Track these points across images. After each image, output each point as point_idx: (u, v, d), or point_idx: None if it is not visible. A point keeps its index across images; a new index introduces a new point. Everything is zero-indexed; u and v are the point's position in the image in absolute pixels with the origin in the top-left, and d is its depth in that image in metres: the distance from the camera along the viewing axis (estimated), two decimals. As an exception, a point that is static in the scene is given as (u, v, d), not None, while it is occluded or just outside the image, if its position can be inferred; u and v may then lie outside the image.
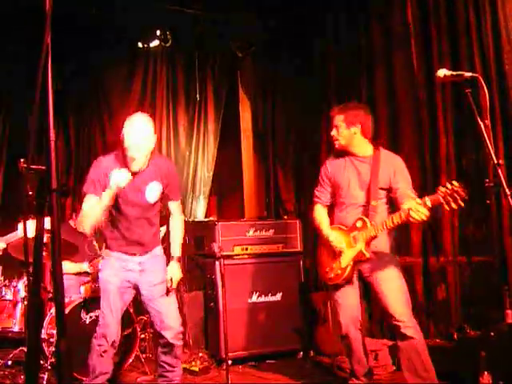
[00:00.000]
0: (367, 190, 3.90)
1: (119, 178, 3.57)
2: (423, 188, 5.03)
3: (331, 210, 4.17)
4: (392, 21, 5.44)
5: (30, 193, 1.75)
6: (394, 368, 4.61)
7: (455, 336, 4.60)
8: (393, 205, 3.92)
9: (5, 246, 4.05)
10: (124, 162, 3.72)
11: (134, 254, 3.87)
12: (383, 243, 3.88)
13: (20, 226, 4.11)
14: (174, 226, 4.09)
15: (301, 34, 6.46)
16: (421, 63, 5.11)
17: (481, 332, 4.38)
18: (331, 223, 4.08)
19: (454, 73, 2.83)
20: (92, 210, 3.64)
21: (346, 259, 3.87)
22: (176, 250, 4.02)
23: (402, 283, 3.86)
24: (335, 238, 3.94)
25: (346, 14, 5.98)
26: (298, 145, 6.73)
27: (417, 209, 3.41)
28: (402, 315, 3.72)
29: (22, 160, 1.83)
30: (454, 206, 3.24)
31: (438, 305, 4.98)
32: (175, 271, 3.94)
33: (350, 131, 3.93)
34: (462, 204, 3.23)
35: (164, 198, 3.97)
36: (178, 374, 4.04)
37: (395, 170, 3.90)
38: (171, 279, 3.89)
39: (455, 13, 4.81)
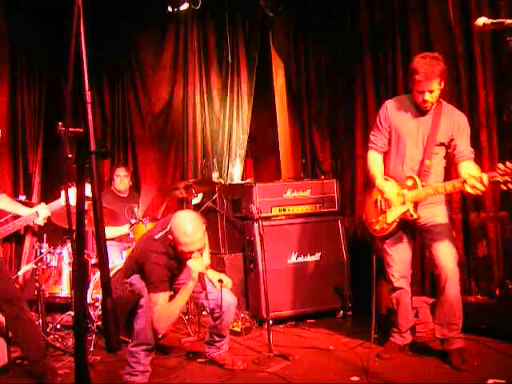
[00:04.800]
0: (424, 146, 3.75)
1: (198, 266, 3.60)
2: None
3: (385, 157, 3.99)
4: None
5: (70, 155, 1.75)
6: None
7: (497, 292, 4.57)
8: (449, 163, 3.85)
9: (49, 214, 4.09)
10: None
11: None
12: (441, 210, 3.84)
13: (63, 194, 4.14)
14: None
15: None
16: (457, 14, 4.93)
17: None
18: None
19: (495, 21, 2.71)
20: (171, 308, 3.62)
21: (393, 216, 3.77)
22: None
23: (455, 245, 3.81)
24: (390, 190, 3.78)
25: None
26: (333, 103, 6.63)
27: (473, 184, 3.29)
28: (452, 271, 3.68)
29: (59, 123, 1.82)
30: (511, 186, 3.14)
31: (478, 261, 4.90)
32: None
33: (440, 90, 3.71)
34: None
35: None
36: (226, 341, 4.13)
37: (459, 126, 3.74)
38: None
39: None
